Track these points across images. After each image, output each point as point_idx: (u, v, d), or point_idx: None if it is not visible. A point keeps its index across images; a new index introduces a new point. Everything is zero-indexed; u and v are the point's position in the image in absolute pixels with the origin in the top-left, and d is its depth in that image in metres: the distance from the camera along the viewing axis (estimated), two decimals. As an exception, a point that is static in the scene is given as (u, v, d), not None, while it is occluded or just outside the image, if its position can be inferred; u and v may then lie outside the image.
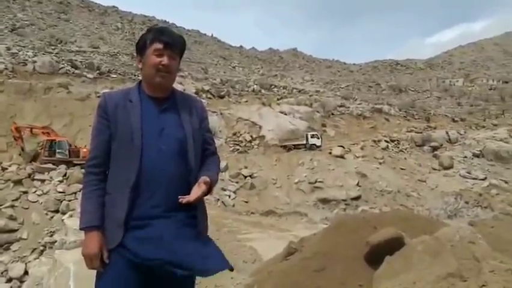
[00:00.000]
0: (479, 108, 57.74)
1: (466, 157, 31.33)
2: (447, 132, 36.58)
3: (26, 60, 32.90)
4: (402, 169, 29.44)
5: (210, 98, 37.74)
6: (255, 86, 46.71)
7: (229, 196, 22.84)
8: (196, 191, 1.71)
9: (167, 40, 1.81)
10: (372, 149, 31.86)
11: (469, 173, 28.52)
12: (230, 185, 23.96)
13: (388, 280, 2.68)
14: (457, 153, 32.05)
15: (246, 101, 39.75)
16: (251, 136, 32.40)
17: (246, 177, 25.75)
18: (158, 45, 1.80)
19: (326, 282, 3.24)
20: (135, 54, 1.97)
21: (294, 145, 31.31)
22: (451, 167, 29.76)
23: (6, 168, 21.57)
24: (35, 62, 32.65)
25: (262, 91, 45.72)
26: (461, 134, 36.89)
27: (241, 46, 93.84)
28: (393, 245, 2.97)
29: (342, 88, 64.10)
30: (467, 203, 20.49)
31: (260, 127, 33.16)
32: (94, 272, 1.75)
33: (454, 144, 34.73)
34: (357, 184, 25.40)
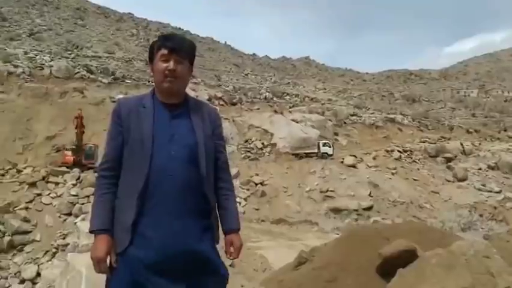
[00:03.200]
0: (494, 120, 56.82)
1: (480, 169, 30.84)
2: (461, 144, 36.08)
3: (43, 64, 33.57)
4: (415, 180, 29.08)
5: (222, 105, 37.91)
6: (267, 93, 46.83)
7: (240, 203, 22.82)
8: (237, 253, 1.91)
9: (172, 45, 1.83)
10: (385, 159, 31.57)
11: (483, 185, 28.03)
12: (241, 192, 23.93)
13: (401, 293, 2.65)
14: (471, 165, 31.56)
15: (258, 109, 39.83)
16: (262, 143, 32.41)
17: (257, 184, 25.72)
18: (164, 51, 1.83)
19: (337, 293, 3.22)
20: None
21: (305, 153, 31.19)
22: (465, 179, 29.30)
23: (21, 171, 21.95)
24: (51, 66, 33.28)
25: (275, 99, 45.79)
26: (475, 146, 36.35)
27: (254, 54, 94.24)
28: (406, 258, 2.94)
29: (355, 97, 63.78)
30: (481, 216, 20.14)
31: (272, 135, 33.16)
32: (105, 276, 1.77)
33: (469, 155, 34.21)
34: (369, 194, 25.16)
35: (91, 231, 1.77)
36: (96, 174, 1.96)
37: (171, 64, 1.82)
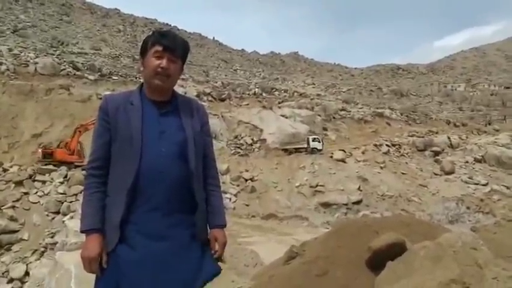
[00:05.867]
0: (480, 114, 57.74)
1: (467, 162, 31.26)
2: (448, 137, 36.52)
3: (28, 61, 33.02)
4: (403, 173, 29.39)
5: (211, 101, 37.80)
6: (256, 89, 46.78)
7: (230, 199, 22.83)
8: (222, 249, 1.91)
9: (167, 43, 1.81)
10: (374, 153, 31.83)
11: (470, 178, 28.43)
12: (231, 188, 23.95)
13: (389, 285, 2.67)
14: (458, 158, 31.98)
15: (247, 104, 39.79)
16: (252, 139, 32.41)
17: (246, 180, 25.73)
18: (158, 48, 1.81)
19: (328, 286, 3.24)
20: (136, 56, 1.99)
21: (295, 149, 31.27)
22: (452, 172, 29.68)
23: (8, 169, 21.63)
24: (36, 63, 32.75)
25: (264, 94, 45.76)
26: (462, 139, 36.83)
27: (242, 49, 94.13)
28: (395, 250, 2.95)
29: (344, 92, 64.14)
30: (468, 208, 20.45)
31: (261, 130, 33.16)
32: (95, 275, 1.76)
33: (456, 149, 34.66)
34: (359, 188, 25.35)
35: (81, 231, 1.75)
36: (84, 172, 1.95)
37: (164, 62, 1.80)
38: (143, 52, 1.88)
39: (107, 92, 29.62)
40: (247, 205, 23.16)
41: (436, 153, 33.67)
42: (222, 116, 33.95)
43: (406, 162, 31.89)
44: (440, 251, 2.59)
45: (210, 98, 38.61)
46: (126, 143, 1.75)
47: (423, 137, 37.39)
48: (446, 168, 29.99)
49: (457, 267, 2.38)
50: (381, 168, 29.44)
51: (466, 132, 41.46)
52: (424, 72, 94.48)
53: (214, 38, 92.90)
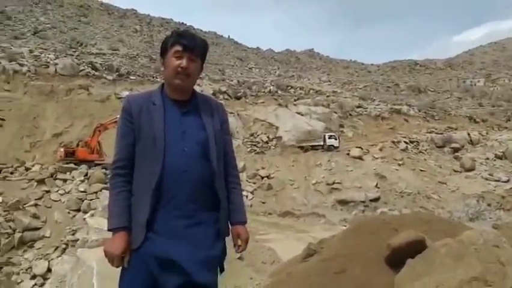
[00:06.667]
0: (501, 109, 56.26)
1: (488, 159, 30.62)
2: (468, 134, 35.81)
3: (48, 62, 33.71)
4: (422, 170, 28.96)
5: (226, 99, 37.91)
6: (272, 87, 46.68)
7: (247, 197, 22.89)
8: (245, 245, 1.97)
9: (187, 43, 1.84)
10: (391, 150, 31.45)
11: (491, 174, 27.84)
12: (247, 186, 24.01)
13: (410, 283, 2.65)
14: (478, 155, 31.35)
15: (263, 102, 39.75)
16: (268, 137, 32.40)
17: (263, 178, 25.77)
18: (178, 48, 1.84)
19: (346, 284, 3.23)
20: (153, 56, 2.02)
21: (311, 146, 31.15)
22: (472, 168, 29.12)
23: (30, 168, 22.15)
24: (56, 64, 33.41)
25: (279, 92, 45.62)
26: (482, 135, 36.07)
27: (257, 47, 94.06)
28: (415, 248, 2.93)
29: (360, 89, 63.48)
30: (489, 205, 19.98)
31: (277, 128, 33.12)
32: (117, 271, 1.81)
33: (476, 145, 33.97)
34: (376, 186, 25.11)
35: (109, 230, 1.79)
36: (104, 170, 1.99)
37: (184, 62, 1.83)
38: (163, 53, 1.91)
39: (125, 92, 30.07)
40: (263, 202, 23.20)
41: (456, 150, 33.07)
42: (238, 114, 34.03)
43: (425, 159, 31.41)
44: (462, 249, 2.56)
45: (226, 97, 38.73)
46: (149, 143, 1.78)
47: (442, 133, 36.78)
48: (466, 165, 29.43)
49: (478, 265, 2.36)
50: (399, 165, 29.08)
51: (486, 128, 40.55)
52: (442, 67, 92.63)
53: (229, 36, 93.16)
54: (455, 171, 29.53)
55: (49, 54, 37.25)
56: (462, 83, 74.92)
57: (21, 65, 31.36)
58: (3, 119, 25.64)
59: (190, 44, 1.85)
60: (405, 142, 33.34)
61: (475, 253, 2.50)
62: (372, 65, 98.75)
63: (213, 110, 1.96)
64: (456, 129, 39.16)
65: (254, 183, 25.06)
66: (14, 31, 48.26)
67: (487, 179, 27.20)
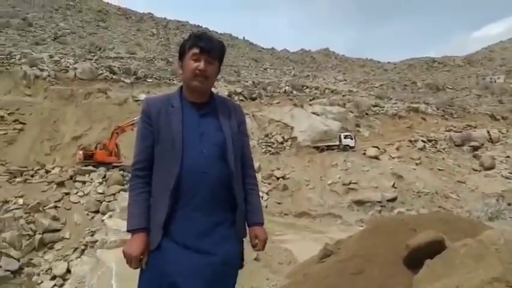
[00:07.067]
0: (522, 106, 54.80)
1: (508, 157, 29.89)
2: (488, 132, 35.02)
3: (68, 67, 34.38)
4: (440, 170, 28.45)
5: (242, 100, 37.99)
6: (287, 87, 46.56)
7: (262, 197, 22.89)
8: (263, 246, 1.97)
9: (204, 45, 1.86)
10: (409, 150, 31.00)
11: (511, 173, 27.18)
12: (263, 187, 24.00)
13: (429, 284, 2.62)
14: (498, 153, 30.62)
15: (278, 103, 39.71)
16: (283, 137, 32.34)
17: (278, 178, 25.73)
18: (195, 50, 1.86)
19: (364, 285, 3.21)
20: (170, 59, 2.04)
21: (327, 146, 30.95)
22: (492, 167, 28.46)
23: (50, 171, 22.61)
24: (76, 68, 34.05)
25: (294, 92, 45.47)
26: (503, 133, 35.22)
27: (272, 48, 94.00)
28: (434, 248, 2.89)
29: (376, 87, 62.68)
30: (509, 204, 19.53)
31: (292, 128, 33.03)
32: (136, 272, 1.84)
33: (496, 143, 33.20)
34: (393, 185, 24.78)
35: (128, 231, 1.81)
36: (121, 172, 2.02)
37: (202, 64, 1.85)
38: (182, 55, 1.94)
39: (143, 95, 30.44)
40: (279, 203, 23.15)
41: (475, 148, 32.38)
42: (253, 115, 34.08)
43: (443, 158, 30.85)
44: (482, 249, 2.52)
45: (241, 98, 38.81)
46: (168, 145, 1.81)
47: (460, 131, 36.06)
48: (486, 164, 28.79)
49: (499, 266, 2.32)
50: (417, 164, 28.63)
51: (506, 126, 39.55)
52: (461, 64, 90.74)
53: (244, 37, 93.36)
54: (474, 170, 28.91)
55: (69, 59, 37.99)
56: (481, 80, 73.27)
57: (42, 70, 32.08)
58: (24, 123, 26.28)
59: (208, 46, 1.87)
60: (423, 141, 32.81)
61: (495, 253, 2.45)
62: (388, 63, 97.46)
63: (230, 112, 1.98)
64: (475, 127, 38.34)
65: (269, 183, 25.04)
66: (35, 37, 49.39)
67: (507, 178, 26.54)
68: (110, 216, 16.83)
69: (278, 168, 26.77)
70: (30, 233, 17.54)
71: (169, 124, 1.84)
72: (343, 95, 45.21)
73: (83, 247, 17.06)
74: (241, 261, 1.93)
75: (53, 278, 15.73)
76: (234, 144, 1.88)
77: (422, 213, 16.50)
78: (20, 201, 19.16)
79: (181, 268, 1.71)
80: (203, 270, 1.72)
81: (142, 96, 30.64)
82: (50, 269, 16.20)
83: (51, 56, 37.48)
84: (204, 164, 1.79)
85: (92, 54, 45.81)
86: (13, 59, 33.90)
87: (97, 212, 19.52)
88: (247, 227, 1.98)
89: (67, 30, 57.53)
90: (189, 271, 1.70)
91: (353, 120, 36.39)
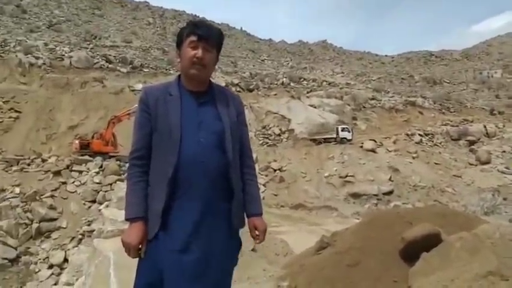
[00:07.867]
0: (519, 101, 54.93)
1: (504, 152, 30.08)
2: (484, 126, 35.17)
3: (63, 55, 34.13)
4: (436, 164, 28.61)
5: (239, 91, 37.85)
6: (284, 79, 46.43)
7: (259, 189, 22.92)
8: (263, 236, 1.97)
9: (202, 33, 1.84)
10: (405, 143, 31.12)
11: (507, 168, 27.35)
12: (259, 178, 24.02)
13: (425, 277, 2.65)
14: (494, 148, 30.80)
15: (275, 94, 39.63)
16: (280, 129, 32.35)
17: (275, 170, 25.78)
18: (193, 38, 1.84)
19: (360, 277, 3.24)
20: (166, 48, 2.02)
21: (324, 139, 31.01)
22: (488, 162, 28.65)
23: (46, 160, 22.54)
24: (71, 57, 33.81)
25: (292, 84, 45.35)
26: (499, 128, 35.38)
27: (270, 39, 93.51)
28: (430, 241, 2.92)
29: (374, 80, 62.61)
30: (505, 199, 19.69)
31: (289, 120, 33.04)
32: (134, 261, 1.83)
33: (492, 138, 33.38)
34: (389, 179, 24.92)
35: (126, 219, 1.81)
36: (122, 163, 2.00)
37: (199, 52, 1.83)
38: (179, 44, 1.92)
39: (139, 85, 30.28)
40: (275, 195, 23.23)
41: (471, 143, 32.56)
42: (250, 107, 34.01)
43: (439, 152, 31.01)
44: (478, 243, 2.55)
45: (238, 89, 38.69)
46: (166, 133, 1.79)
47: (457, 126, 36.21)
48: (482, 158, 28.97)
49: (495, 259, 2.34)
50: (413, 158, 28.78)
51: (502, 121, 39.72)
52: (458, 58, 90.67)
53: (241, 28, 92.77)
54: (470, 164, 29.10)
55: (64, 47, 37.68)
56: (478, 75, 73.34)
57: (37, 58, 31.82)
58: (20, 112, 26.12)
59: (205, 34, 1.85)
60: (420, 135, 32.94)
61: (491, 247, 2.48)
62: (386, 56, 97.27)
63: (229, 101, 1.96)
64: (472, 121, 38.49)
65: (266, 175, 25.09)
66: (29, 24, 48.89)
67: (503, 173, 26.75)
68: (107, 206, 16.83)
69: (275, 160, 26.81)
70: (27, 221, 17.55)
71: (167, 113, 1.82)
72: (340, 88, 45.17)
73: (80, 236, 17.11)
74: (236, 256, 1.92)
75: (51, 266, 15.81)
76: (232, 134, 1.87)
77: (418, 206, 16.63)
78: (17, 190, 19.14)
79: (169, 264, 1.70)
80: (190, 268, 1.70)
81: (139, 86, 30.47)
82: (47, 257, 16.26)
83: (46, 44, 37.16)
84: (201, 153, 1.78)
85: (88, 42, 45.43)
86: (8, 46, 33.61)
87: (93, 201, 19.53)
88: (245, 218, 1.97)
89: (62, 18, 56.96)
90: (175, 266, 1.69)
91: (350, 113, 36.43)
